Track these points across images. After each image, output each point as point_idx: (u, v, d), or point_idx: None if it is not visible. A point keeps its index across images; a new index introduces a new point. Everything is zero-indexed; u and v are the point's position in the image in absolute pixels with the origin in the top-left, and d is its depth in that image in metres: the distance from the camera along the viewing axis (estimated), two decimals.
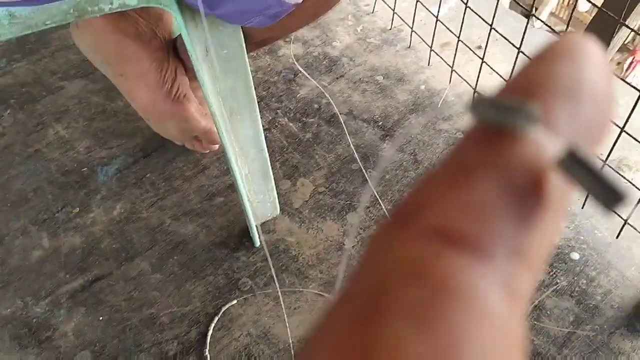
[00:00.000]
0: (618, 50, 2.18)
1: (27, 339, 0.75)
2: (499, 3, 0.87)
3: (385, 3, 1.17)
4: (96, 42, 0.76)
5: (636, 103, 0.70)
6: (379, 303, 0.11)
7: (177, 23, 0.64)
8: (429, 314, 0.10)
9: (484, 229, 0.11)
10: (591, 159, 0.12)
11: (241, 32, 0.63)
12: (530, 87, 0.13)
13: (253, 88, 0.69)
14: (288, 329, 0.75)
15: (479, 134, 0.13)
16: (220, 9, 0.54)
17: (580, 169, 0.12)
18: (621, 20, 0.68)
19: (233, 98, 0.68)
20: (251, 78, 0.68)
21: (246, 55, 0.66)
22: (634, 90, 0.69)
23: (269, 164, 0.78)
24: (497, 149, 0.12)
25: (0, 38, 0.54)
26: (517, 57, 0.86)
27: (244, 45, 0.65)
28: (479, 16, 0.90)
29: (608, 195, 0.12)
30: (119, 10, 0.56)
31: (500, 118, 0.12)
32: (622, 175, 0.78)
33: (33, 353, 0.74)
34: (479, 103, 0.13)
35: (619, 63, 2.48)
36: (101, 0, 0.54)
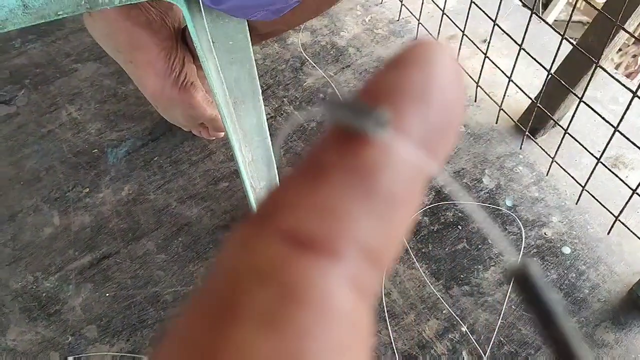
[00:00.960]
0: (633, 43, 2.17)
1: (37, 311, 0.79)
2: None
3: None
4: (108, 29, 0.79)
5: (630, 103, 0.71)
6: (229, 306, 0.11)
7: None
8: (277, 317, 0.11)
9: (334, 230, 0.12)
10: (540, 282, 0.13)
11: (246, 25, 0.65)
12: (382, 92, 0.13)
13: (257, 79, 0.72)
14: None
15: (336, 135, 0.13)
16: (225, 4, 0.56)
17: (528, 289, 0.13)
18: (618, 23, 0.70)
19: (237, 88, 0.71)
20: (255, 69, 0.70)
21: (251, 47, 0.68)
22: None
23: (272, 152, 0.80)
24: (350, 151, 0.13)
25: (15, 27, 0.57)
26: (518, 53, 0.88)
27: (249, 37, 0.67)
28: (483, 11, 0.92)
29: (545, 319, 0.13)
30: (129, 2, 0.58)
31: (351, 121, 0.12)
32: (615, 174, 0.80)
33: (42, 325, 0.78)
34: (333, 105, 0.13)
35: (634, 56, 2.46)
36: None
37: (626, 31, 0.70)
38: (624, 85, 0.71)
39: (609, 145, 0.80)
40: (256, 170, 0.82)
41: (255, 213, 0.13)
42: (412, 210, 0.13)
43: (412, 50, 0.14)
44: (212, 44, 0.65)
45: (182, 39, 0.83)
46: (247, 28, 0.66)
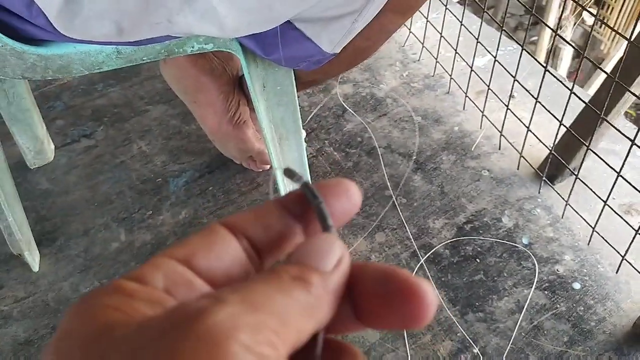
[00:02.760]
0: None
1: None
2: (529, 56, 0.99)
3: (430, 52, 1.31)
4: (178, 74, 0.94)
5: (629, 150, 0.80)
6: None
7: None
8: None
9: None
10: (314, 192, 0.24)
11: (292, 73, 0.79)
12: (322, 191, 0.24)
13: (300, 119, 0.84)
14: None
15: (300, 193, 0.24)
16: (274, 55, 0.69)
17: (309, 194, 0.24)
18: (621, 82, 0.79)
19: (283, 126, 0.84)
20: (299, 111, 0.83)
21: (296, 92, 0.81)
22: None
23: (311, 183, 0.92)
24: (305, 209, 0.24)
25: (109, 68, 0.71)
26: (534, 106, 0.98)
27: (294, 83, 0.80)
28: (505, 69, 1.03)
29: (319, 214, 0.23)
30: (198, 52, 0.72)
31: (310, 197, 0.24)
32: (621, 217, 0.87)
33: None
34: (304, 185, 0.25)
35: None
36: (185, 44, 0.71)
37: (632, 93, 0.80)
38: (622, 134, 0.80)
39: (625, 192, 0.88)
40: None
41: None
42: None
43: (335, 180, 0.25)
44: (263, 87, 0.78)
45: (239, 85, 0.97)
46: (293, 76, 0.79)
